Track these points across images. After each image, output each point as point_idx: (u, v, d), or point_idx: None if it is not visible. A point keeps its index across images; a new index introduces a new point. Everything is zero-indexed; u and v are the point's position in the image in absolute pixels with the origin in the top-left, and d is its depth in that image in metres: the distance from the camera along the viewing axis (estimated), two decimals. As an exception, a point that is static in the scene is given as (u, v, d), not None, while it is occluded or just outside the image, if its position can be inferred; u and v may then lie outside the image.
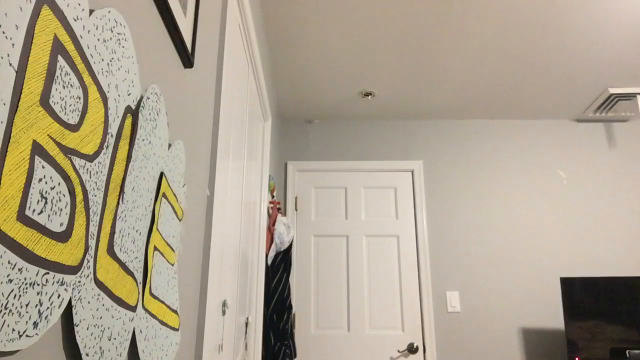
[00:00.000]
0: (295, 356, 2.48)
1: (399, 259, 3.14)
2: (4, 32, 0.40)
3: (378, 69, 2.80)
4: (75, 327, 0.53)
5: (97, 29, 0.58)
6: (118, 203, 0.65)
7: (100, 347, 0.59)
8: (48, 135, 0.47)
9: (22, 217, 0.43)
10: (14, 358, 0.44)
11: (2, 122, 0.40)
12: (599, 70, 2.80)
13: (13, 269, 0.42)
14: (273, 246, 2.46)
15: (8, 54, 0.41)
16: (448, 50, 2.59)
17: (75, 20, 0.53)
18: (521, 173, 3.32)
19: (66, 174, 0.51)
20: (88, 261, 0.56)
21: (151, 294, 0.78)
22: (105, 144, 0.60)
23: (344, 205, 3.27)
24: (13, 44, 0.42)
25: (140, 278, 0.73)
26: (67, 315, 0.54)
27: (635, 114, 3.30)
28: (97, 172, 0.58)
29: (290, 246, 2.57)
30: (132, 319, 0.70)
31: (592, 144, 3.37)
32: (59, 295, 0.49)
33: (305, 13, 2.30)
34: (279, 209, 2.68)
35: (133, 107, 0.70)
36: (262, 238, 2.24)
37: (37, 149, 0.45)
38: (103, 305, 0.60)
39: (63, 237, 0.50)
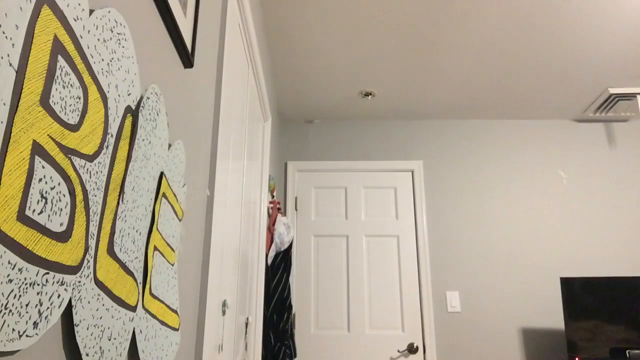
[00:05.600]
0: (295, 356, 2.48)
1: (399, 259, 3.14)
2: (4, 32, 0.40)
3: (378, 69, 2.80)
4: (75, 327, 0.53)
5: (97, 29, 0.58)
6: (118, 203, 0.64)
7: (100, 347, 0.59)
8: (48, 135, 0.47)
9: (22, 217, 0.43)
10: (14, 358, 0.44)
11: (2, 122, 0.40)
12: (599, 70, 2.80)
13: (13, 269, 0.42)
14: (273, 246, 2.46)
15: (8, 54, 0.41)
16: (448, 50, 2.59)
17: (75, 20, 0.53)
18: (521, 173, 3.32)
19: (66, 174, 0.51)
20: (88, 261, 0.56)
21: (151, 294, 0.78)
22: (105, 144, 0.60)
23: (344, 205, 3.27)
24: (13, 44, 0.42)
25: (140, 278, 0.73)
26: (67, 315, 0.54)
27: (635, 114, 3.30)
28: (97, 172, 0.58)
29: (290, 246, 2.57)
30: (132, 319, 0.69)
31: (592, 144, 3.37)
32: (59, 295, 0.49)
33: (305, 13, 2.30)
34: (279, 209, 2.68)
35: (133, 107, 0.70)
36: (262, 238, 2.24)
37: (37, 149, 0.45)
38: (103, 305, 0.60)
39: (63, 237, 0.50)
